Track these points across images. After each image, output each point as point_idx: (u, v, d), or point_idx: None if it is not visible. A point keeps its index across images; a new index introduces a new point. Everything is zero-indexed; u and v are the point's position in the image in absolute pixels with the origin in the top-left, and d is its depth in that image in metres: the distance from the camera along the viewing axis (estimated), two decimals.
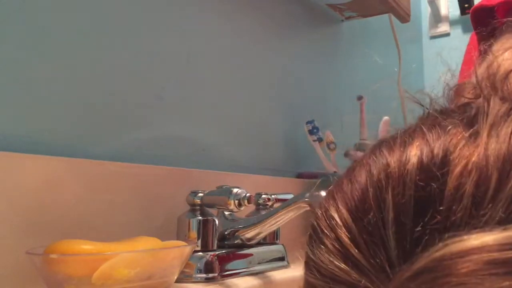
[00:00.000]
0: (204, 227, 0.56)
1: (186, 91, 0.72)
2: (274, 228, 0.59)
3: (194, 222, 0.56)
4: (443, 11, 1.75)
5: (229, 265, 0.56)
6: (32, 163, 0.48)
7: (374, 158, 0.22)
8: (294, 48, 1.02)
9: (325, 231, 0.23)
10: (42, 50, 0.53)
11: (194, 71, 0.74)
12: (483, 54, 0.29)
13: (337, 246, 0.22)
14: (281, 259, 0.65)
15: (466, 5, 1.62)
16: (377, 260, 0.20)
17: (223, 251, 0.57)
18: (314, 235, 0.24)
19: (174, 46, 0.71)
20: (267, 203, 0.67)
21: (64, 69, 0.55)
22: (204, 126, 0.75)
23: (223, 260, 0.56)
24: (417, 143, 0.21)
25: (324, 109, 1.09)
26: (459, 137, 0.20)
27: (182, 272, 0.49)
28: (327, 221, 0.23)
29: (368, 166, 0.22)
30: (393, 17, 1.18)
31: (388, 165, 0.21)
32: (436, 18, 1.76)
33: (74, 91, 0.56)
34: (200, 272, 0.53)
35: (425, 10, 1.79)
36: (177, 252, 0.46)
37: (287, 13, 1.00)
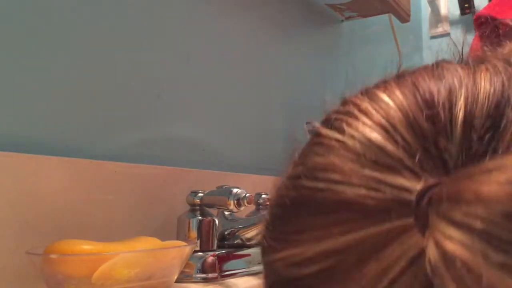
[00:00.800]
0: (204, 227, 0.56)
1: (186, 91, 0.72)
2: None
3: (194, 222, 0.56)
4: (443, 11, 1.75)
5: (229, 265, 0.56)
6: (32, 163, 0.48)
7: (444, 65, 0.21)
8: (294, 48, 1.02)
9: (368, 110, 0.20)
10: (42, 51, 0.53)
11: (194, 71, 0.74)
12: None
13: (384, 123, 0.19)
14: None
15: (466, 5, 1.62)
16: (436, 148, 0.18)
17: (223, 251, 0.57)
18: (344, 115, 0.21)
19: (174, 46, 0.71)
20: (267, 203, 0.67)
21: (64, 70, 0.55)
22: (204, 126, 0.75)
23: (223, 260, 0.56)
24: (486, 66, 0.21)
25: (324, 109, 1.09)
26: None
27: (182, 272, 0.49)
28: (373, 103, 0.21)
29: (437, 71, 0.21)
30: (393, 17, 1.18)
31: (460, 75, 0.20)
32: (436, 18, 1.76)
33: (74, 91, 0.56)
34: (200, 272, 0.53)
35: (425, 10, 1.79)
36: (177, 252, 0.46)
37: (287, 13, 1.00)
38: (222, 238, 0.60)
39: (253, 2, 0.89)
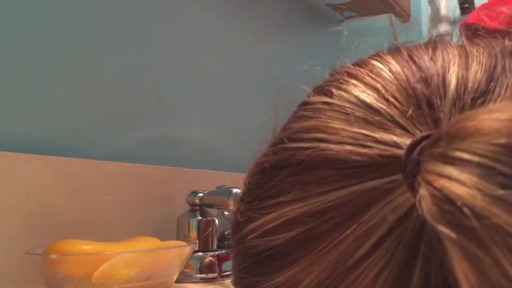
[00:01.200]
0: (204, 227, 0.56)
1: (186, 91, 0.72)
2: None
3: (194, 222, 0.56)
4: (443, 11, 1.75)
5: (229, 265, 0.56)
6: (32, 163, 0.48)
7: (438, 40, 0.21)
8: (294, 48, 1.02)
9: (359, 74, 0.20)
10: (42, 51, 0.53)
11: (194, 71, 0.74)
12: None
13: (374, 84, 0.18)
14: None
15: (466, 5, 1.62)
16: (428, 107, 0.17)
17: (223, 251, 0.57)
18: (333, 82, 0.20)
19: (174, 46, 0.71)
20: None
21: (64, 69, 0.55)
22: (204, 126, 0.75)
23: (223, 260, 0.56)
24: (478, 42, 0.21)
25: None
26: None
27: (182, 272, 0.49)
28: (364, 69, 0.20)
29: (431, 45, 0.21)
30: (393, 17, 1.18)
31: (453, 48, 0.20)
32: (436, 18, 1.76)
33: (74, 91, 0.56)
34: (200, 272, 0.53)
35: (425, 10, 1.79)
36: (177, 252, 0.46)
37: (287, 13, 1.00)
38: (222, 238, 0.60)
39: (253, 2, 0.89)
